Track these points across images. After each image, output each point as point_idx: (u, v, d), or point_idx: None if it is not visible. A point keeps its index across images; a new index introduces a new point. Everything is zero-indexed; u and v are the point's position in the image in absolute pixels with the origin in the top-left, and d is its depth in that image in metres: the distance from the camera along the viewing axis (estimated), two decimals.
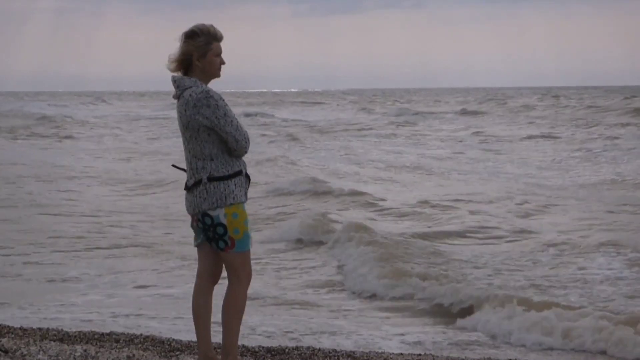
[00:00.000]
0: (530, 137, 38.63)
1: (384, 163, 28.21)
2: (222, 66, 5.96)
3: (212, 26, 5.89)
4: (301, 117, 62.55)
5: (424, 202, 17.81)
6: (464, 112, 62.25)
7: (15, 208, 18.01)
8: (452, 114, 60.98)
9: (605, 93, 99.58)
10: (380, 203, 18.09)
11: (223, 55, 5.93)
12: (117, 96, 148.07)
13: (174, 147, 33.32)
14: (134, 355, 6.93)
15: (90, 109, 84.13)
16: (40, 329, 8.04)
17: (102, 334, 7.84)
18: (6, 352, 6.87)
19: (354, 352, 7.32)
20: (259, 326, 8.95)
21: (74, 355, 6.83)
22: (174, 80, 5.90)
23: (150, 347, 7.34)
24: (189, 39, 5.84)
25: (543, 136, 38.92)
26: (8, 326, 8.08)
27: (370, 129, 47.33)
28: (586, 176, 23.90)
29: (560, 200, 18.65)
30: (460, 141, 38.06)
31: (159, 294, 10.62)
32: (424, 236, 14.25)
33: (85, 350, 6.99)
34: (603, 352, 8.15)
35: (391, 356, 7.27)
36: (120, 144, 38.32)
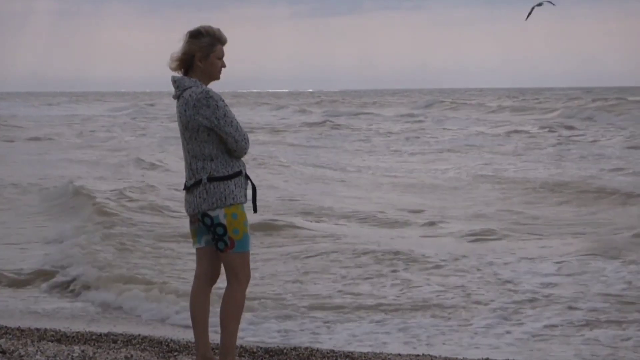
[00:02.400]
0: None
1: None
2: (223, 70, 5.99)
3: (218, 30, 5.92)
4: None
5: None
6: (402, 115, 62.94)
7: None
8: (381, 117, 61.67)
9: (585, 94, 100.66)
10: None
11: (224, 59, 5.95)
12: (104, 96, 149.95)
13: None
14: (132, 355, 6.93)
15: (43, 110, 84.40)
16: (38, 330, 8.03)
17: (100, 335, 7.84)
18: (4, 352, 6.87)
19: (352, 353, 7.34)
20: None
21: (72, 356, 6.84)
22: (174, 81, 5.90)
23: (148, 347, 7.34)
24: (193, 39, 5.86)
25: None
26: (6, 327, 8.07)
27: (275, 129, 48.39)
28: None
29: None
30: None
31: (157, 293, 10.53)
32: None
33: (83, 351, 7.00)
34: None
35: (389, 356, 7.30)
36: None
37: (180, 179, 21.75)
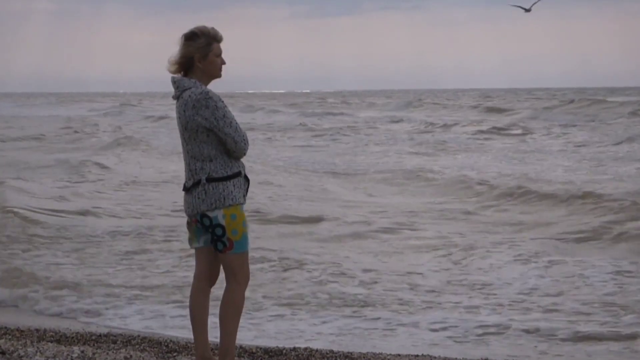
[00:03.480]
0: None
1: None
2: (223, 66, 6.01)
3: (212, 28, 5.94)
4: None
5: None
6: (377, 116, 63.65)
7: None
8: (352, 117, 62.42)
9: (577, 93, 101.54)
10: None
11: (223, 56, 5.96)
12: (103, 97, 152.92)
13: None
14: (131, 356, 6.93)
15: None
16: (37, 330, 8.04)
17: (100, 335, 7.84)
18: (3, 353, 6.86)
19: (351, 353, 7.36)
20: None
21: (71, 357, 6.83)
22: (174, 81, 5.91)
23: (147, 348, 7.35)
24: (189, 41, 5.86)
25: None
26: (5, 327, 8.08)
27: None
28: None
29: None
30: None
31: (158, 294, 10.53)
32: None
33: (82, 352, 6.99)
34: None
35: (388, 357, 7.35)
36: None
37: (124, 180, 21.58)
